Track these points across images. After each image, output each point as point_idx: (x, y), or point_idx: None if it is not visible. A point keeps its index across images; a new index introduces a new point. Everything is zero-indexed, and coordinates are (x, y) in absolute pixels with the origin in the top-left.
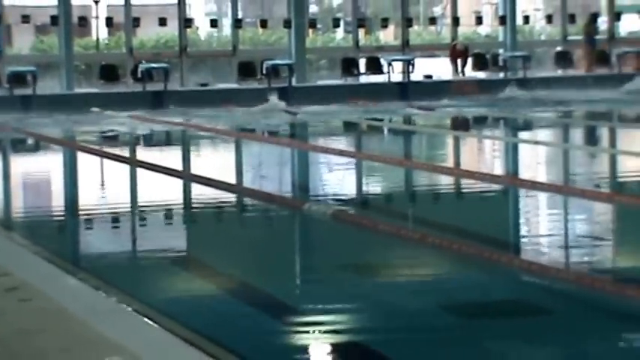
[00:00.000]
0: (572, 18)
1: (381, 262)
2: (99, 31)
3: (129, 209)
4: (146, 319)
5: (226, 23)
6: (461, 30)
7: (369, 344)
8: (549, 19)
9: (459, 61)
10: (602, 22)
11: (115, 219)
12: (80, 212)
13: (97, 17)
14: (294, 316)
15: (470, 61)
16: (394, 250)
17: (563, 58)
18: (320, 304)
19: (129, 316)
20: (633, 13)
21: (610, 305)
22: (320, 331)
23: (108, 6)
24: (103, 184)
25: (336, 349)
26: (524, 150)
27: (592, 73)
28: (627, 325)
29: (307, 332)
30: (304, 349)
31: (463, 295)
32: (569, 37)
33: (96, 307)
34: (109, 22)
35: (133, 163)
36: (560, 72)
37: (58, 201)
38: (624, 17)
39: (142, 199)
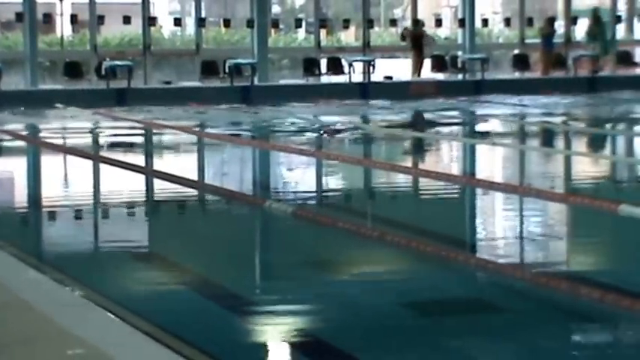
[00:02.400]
0: (530, 21)
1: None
2: (63, 28)
3: (92, 204)
4: (109, 314)
5: (190, 22)
6: None
7: (326, 340)
8: (507, 22)
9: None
10: (559, 27)
11: (78, 213)
12: (43, 206)
13: (61, 14)
14: (252, 311)
15: (428, 62)
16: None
17: (521, 61)
18: (281, 300)
19: (92, 310)
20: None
21: (565, 304)
22: (280, 327)
23: (72, 3)
24: (66, 179)
25: (297, 345)
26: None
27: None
28: (581, 324)
29: (267, 327)
30: (262, 345)
31: (420, 293)
32: (527, 41)
33: (59, 301)
34: (74, 19)
35: (96, 159)
36: (517, 74)
37: (20, 195)
38: (580, 21)
39: (105, 194)
